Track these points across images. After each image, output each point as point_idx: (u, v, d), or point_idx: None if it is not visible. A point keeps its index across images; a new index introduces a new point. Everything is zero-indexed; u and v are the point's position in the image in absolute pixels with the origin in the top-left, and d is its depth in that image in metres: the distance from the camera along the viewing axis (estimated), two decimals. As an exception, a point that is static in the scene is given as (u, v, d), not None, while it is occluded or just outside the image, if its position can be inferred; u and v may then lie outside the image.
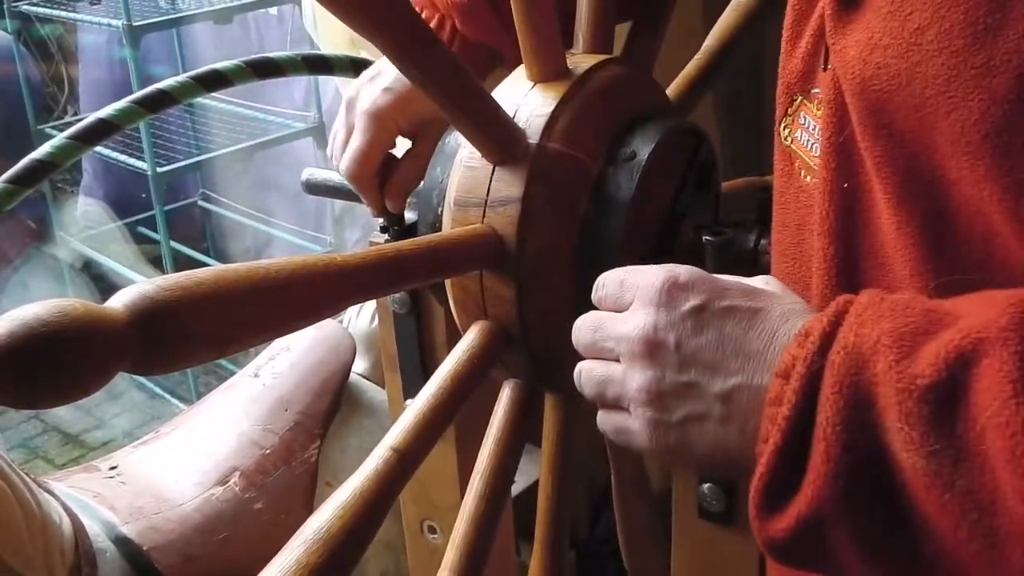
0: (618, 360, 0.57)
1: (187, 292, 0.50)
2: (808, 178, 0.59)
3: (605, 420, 0.60)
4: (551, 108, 0.71)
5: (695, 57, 0.92)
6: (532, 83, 0.74)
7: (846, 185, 0.55)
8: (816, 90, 0.59)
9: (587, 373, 0.60)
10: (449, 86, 0.67)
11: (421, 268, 0.67)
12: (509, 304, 0.72)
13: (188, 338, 0.51)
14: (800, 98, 0.61)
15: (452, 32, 0.93)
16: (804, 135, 0.60)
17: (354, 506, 0.61)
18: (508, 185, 0.71)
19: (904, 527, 0.44)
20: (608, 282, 0.61)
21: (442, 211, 0.75)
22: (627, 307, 0.58)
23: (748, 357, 0.52)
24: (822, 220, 0.56)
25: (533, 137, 0.71)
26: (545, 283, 0.72)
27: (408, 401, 0.90)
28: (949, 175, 0.49)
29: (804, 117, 0.60)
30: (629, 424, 0.57)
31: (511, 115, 0.72)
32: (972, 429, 0.41)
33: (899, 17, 0.49)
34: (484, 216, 0.71)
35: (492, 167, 0.72)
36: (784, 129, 0.62)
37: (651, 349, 0.55)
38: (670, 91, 0.90)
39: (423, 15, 0.94)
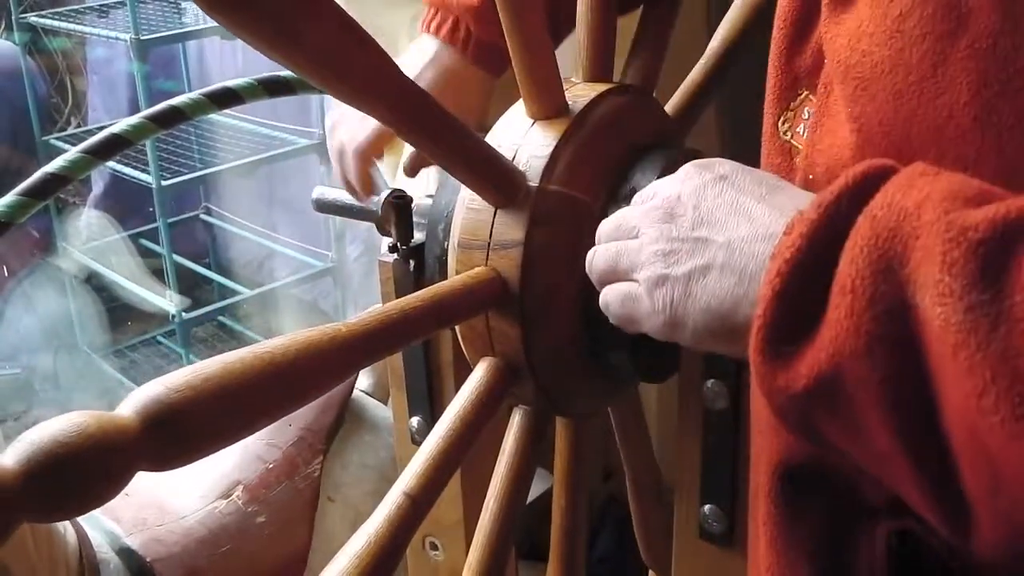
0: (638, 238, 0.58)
1: (196, 391, 0.51)
2: (810, 175, 0.60)
3: (610, 291, 0.61)
4: (551, 149, 0.72)
5: (699, 62, 0.92)
6: (532, 121, 0.75)
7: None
8: None
9: (603, 250, 0.61)
10: (444, 140, 0.68)
11: (428, 323, 0.67)
12: (515, 342, 0.73)
13: (201, 435, 0.52)
14: (806, 92, 0.61)
15: (467, 34, 0.95)
16: (807, 130, 0.60)
17: (369, 553, 0.63)
18: (510, 228, 0.72)
19: (925, 390, 0.41)
20: (645, 189, 0.62)
21: (447, 245, 0.76)
22: None
23: (758, 216, 0.52)
24: None
25: (533, 179, 0.71)
26: (550, 322, 0.73)
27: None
28: None
29: (807, 112, 0.61)
30: (635, 289, 0.58)
31: (512, 156, 0.73)
32: (1019, 292, 0.38)
33: (882, 4, 0.50)
34: (488, 259, 0.72)
35: (494, 209, 0.73)
36: (783, 124, 0.62)
37: (670, 211, 0.56)
38: (674, 100, 0.90)
39: (438, 16, 0.96)
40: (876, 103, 0.51)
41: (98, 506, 0.48)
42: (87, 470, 0.46)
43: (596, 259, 0.62)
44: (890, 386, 0.42)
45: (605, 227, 0.63)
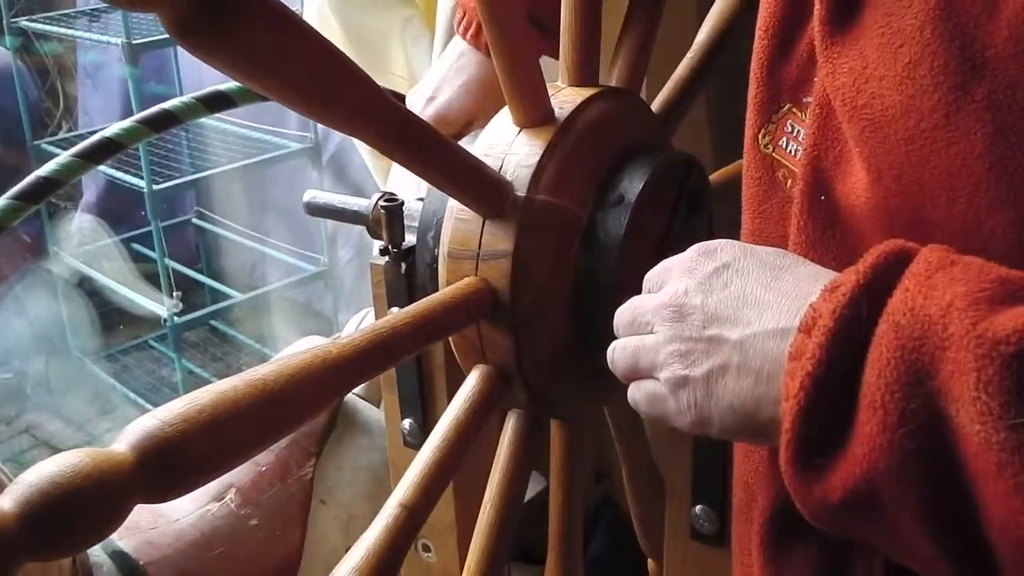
0: (653, 333, 0.58)
1: (190, 423, 0.51)
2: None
3: (637, 390, 0.60)
4: (537, 158, 0.72)
5: (687, 56, 0.92)
6: (518, 129, 0.75)
7: (823, 198, 0.56)
8: (808, 99, 0.59)
9: (621, 347, 0.60)
10: (430, 156, 0.68)
11: (420, 338, 0.68)
12: (506, 350, 0.74)
13: (196, 466, 0.52)
14: (788, 105, 0.61)
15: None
16: (790, 143, 0.60)
17: (368, 565, 0.63)
18: (499, 239, 0.72)
19: (965, 502, 0.41)
20: (652, 272, 0.61)
21: (438, 252, 0.77)
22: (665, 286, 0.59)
23: (765, 306, 0.51)
24: (798, 232, 0.57)
25: (521, 189, 0.72)
26: (540, 330, 0.74)
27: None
28: (931, 215, 0.49)
29: (791, 125, 0.61)
30: (659, 389, 0.57)
31: (499, 165, 0.73)
32: None
33: (890, 49, 0.50)
34: (477, 269, 0.73)
35: (483, 219, 0.73)
36: (764, 136, 0.62)
37: (679, 309, 0.55)
38: (662, 96, 0.90)
39: (465, 19, 0.97)
40: (887, 146, 0.50)
41: (98, 542, 0.48)
42: (85, 509, 0.46)
43: (616, 357, 0.61)
44: (928, 499, 0.42)
45: (621, 319, 0.62)
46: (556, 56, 0.82)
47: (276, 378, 0.56)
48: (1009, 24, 0.46)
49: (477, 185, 0.71)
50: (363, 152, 1.79)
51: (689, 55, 0.91)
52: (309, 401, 0.59)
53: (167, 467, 0.50)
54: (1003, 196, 0.46)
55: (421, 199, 0.83)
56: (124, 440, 0.50)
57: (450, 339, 0.77)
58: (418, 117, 0.66)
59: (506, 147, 0.74)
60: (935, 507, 0.42)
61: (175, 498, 0.52)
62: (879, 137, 0.51)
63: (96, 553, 0.98)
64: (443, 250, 0.75)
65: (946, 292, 0.43)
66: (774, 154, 0.62)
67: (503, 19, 0.70)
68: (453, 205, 0.74)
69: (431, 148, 0.67)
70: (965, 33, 0.47)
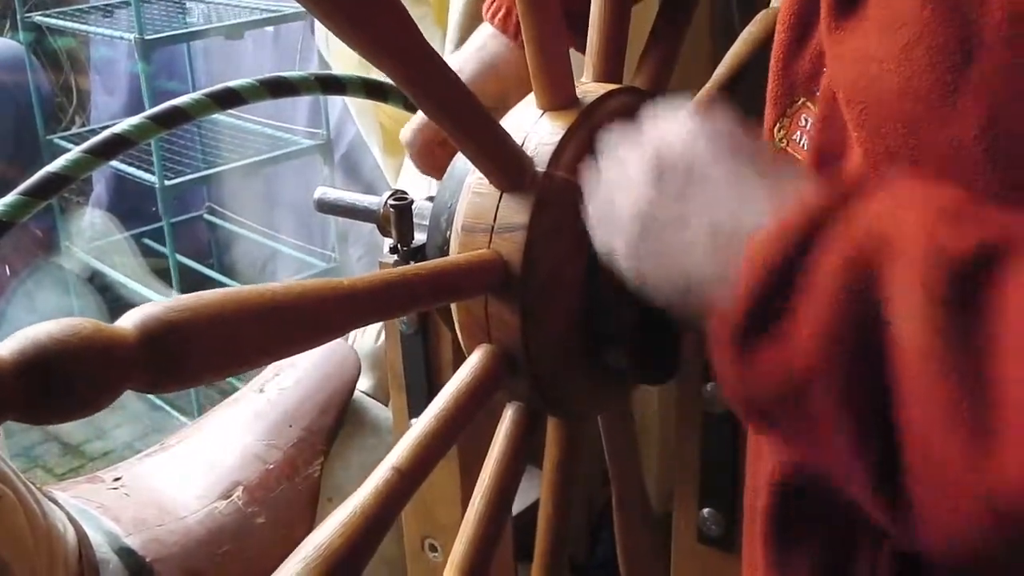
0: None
1: (196, 314, 0.51)
2: None
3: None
4: (559, 137, 0.73)
5: (706, 86, 0.93)
6: (541, 111, 0.75)
7: None
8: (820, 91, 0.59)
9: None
10: (459, 114, 0.68)
11: (426, 293, 0.67)
12: (513, 330, 0.73)
13: (195, 359, 0.52)
14: (803, 99, 0.61)
15: (517, 26, 0.96)
16: (803, 137, 0.60)
17: (354, 524, 0.62)
18: (515, 212, 0.72)
19: (886, 402, 0.42)
20: None
21: (450, 234, 0.76)
22: None
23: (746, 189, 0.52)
24: None
25: (541, 166, 0.72)
26: (550, 310, 0.73)
27: (413, 420, 0.91)
28: None
29: (804, 119, 0.61)
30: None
31: (520, 143, 0.74)
32: (995, 322, 0.38)
33: (891, 30, 0.50)
34: (491, 242, 0.73)
35: (499, 194, 0.73)
36: (779, 131, 0.62)
37: (659, 171, 0.56)
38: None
39: (493, 5, 0.97)
40: (884, 129, 0.50)
41: (84, 415, 0.47)
42: (79, 371, 0.45)
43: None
44: (856, 391, 0.43)
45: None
46: (581, 50, 0.82)
47: (285, 293, 0.56)
48: (1002, 5, 0.45)
49: (499, 152, 0.71)
50: (375, 150, 1.79)
51: (708, 86, 0.92)
52: (312, 323, 0.58)
53: (167, 352, 0.49)
54: (997, 180, 0.46)
55: (431, 198, 0.83)
56: (128, 319, 0.49)
57: (456, 321, 0.77)
58: (455, 74, 0.66)
59: (529, 127, 0.74)
60: (859, 401, 0.43)
61: (169, 390, 0.52)
62: (877, 120, 0.51)
63: (103, 550, 0.98)
64: (456, 226, 0.75)
65: (906, 212, 0.43)
66: (788, 148, 0.62)
67: (536, 2, 0.70)
68: (470, 182, 0.74)
69: (460, 105, 0.67)
70: (963, 14, 0.47)
